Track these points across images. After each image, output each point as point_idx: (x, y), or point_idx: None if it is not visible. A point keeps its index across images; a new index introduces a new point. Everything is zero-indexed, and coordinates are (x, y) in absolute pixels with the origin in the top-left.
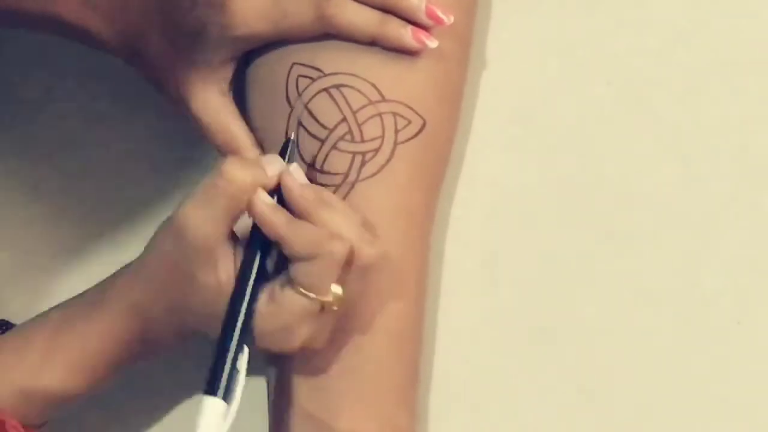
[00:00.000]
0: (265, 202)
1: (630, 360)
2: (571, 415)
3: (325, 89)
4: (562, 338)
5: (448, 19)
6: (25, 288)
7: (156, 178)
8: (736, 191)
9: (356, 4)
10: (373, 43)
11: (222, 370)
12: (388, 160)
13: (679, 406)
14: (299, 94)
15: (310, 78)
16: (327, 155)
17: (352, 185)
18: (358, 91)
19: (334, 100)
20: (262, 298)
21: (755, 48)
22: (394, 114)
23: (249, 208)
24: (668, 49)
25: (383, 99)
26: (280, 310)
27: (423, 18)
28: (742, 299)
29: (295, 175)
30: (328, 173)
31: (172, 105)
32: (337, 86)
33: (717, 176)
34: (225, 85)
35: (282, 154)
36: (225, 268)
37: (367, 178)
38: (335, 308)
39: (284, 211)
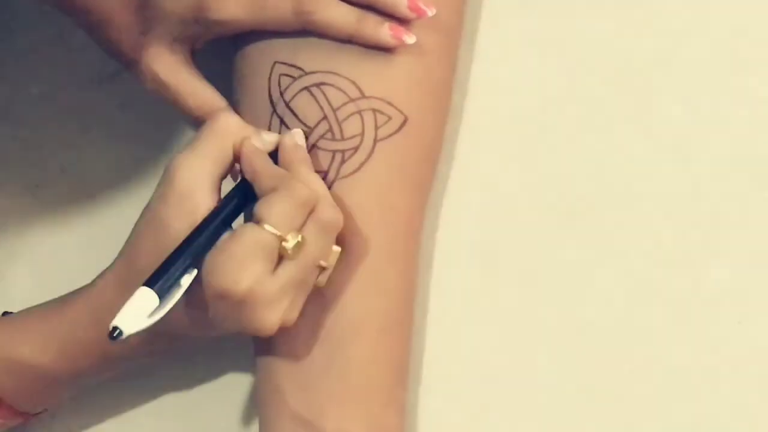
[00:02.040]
0: (252, 144)
1: (629, 360)
2: (567, 415)
3: (306, 88)
4: (556, 337)
5: (431, 11)
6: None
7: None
8: (737, 191)
9: (335, 1)
10: (351, 40)
11: (166, 273)
12: (368, 158)
13: (679, 406)
14: (281, 93)
15: (292, 77)
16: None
17: (331, 184)
18: (339, 88)
19: (315, 98)
20: (226, 234)
21: (755, 48)
22: (374, 110)
23: (236, 152)
24: (668, 49)
25: (363, 96)
26: (235, 241)
27: (405, 11)
28: (742, 299)
29: (296, 137)
30: None
31: (125, 66)
32: (318, 84)
33: (717, 176)
34: (189, 56)
35: None
36: (202, 215)
37: (347, 176)
38: (292, 255)
39: (267, 156)
